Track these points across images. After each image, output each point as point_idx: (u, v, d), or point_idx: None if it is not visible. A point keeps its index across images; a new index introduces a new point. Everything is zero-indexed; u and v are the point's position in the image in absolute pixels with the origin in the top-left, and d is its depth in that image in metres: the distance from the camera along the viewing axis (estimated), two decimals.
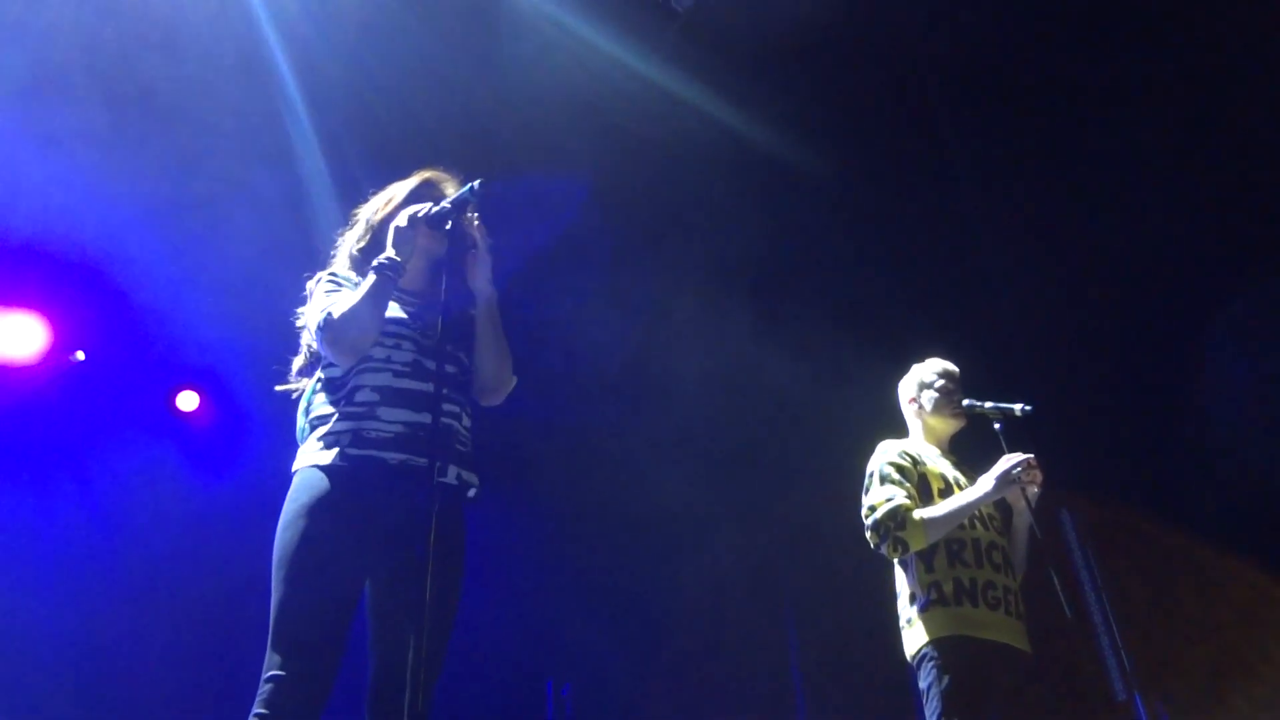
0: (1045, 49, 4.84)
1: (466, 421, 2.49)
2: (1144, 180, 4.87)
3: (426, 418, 2.31)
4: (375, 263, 2.42)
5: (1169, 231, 4.91)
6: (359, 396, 2.38)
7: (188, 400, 6.08)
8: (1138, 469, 5.27)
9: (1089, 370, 5.43)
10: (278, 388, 2.63)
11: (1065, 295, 5.45)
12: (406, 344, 2.43)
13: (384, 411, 2.35)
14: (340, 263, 2.66)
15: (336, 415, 2.38)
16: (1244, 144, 4.64)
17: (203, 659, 5.38)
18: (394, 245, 2.46)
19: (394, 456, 2.32)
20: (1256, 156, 4.61)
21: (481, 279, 2.49)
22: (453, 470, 2.39)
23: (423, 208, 2.49)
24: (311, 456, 2.35)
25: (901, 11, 4.76)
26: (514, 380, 2.58)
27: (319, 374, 2.51)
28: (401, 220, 2.49)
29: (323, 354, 2.45)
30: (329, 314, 2.39)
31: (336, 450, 2.31)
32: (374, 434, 2.33)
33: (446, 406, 2.39)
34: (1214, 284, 4.98)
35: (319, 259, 2.70)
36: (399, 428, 2.34)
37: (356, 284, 2.52)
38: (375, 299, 2.38)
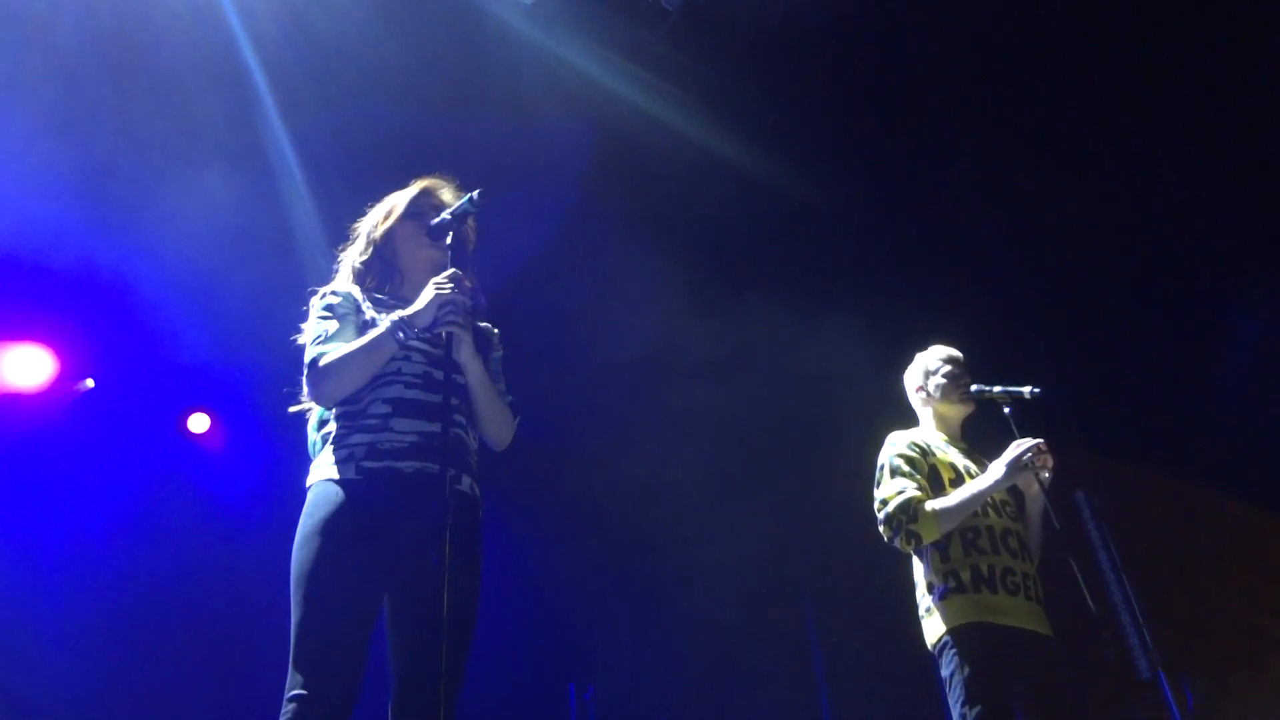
0: (1052, 24, 4.81)
1: (475, 434, 2.52)
2: (1151, 160, 4.84)
3: (438, 427, 2.32)
4: (395, 316, 2.36)
5: (1177, 211, 4.89)
6: (372, 410, 2.38)
7: (199, 423, 6.11)
8: (1150, 449, 5.26)
9: (1099, 352, 5.41)
10: (291, 409, 2.62)
11: (1072, 276, 5.43)
12: (416, 355, 2.43)
13: (397, 423, 2.36)
14: (343, 278, 2.66)
15: (351, 429, 2.39)
16: (1254, 118, 4.61)
17: (221, 681, 5.38)
18: (427, 310, 2.35)
19: (409, 465, 2.33)
20: (1270, 129, 4.58)
21: (465, 355, 2.41)
22: (466, 479, 2.40)
23: (454, 292, 2.35)
24: (326, 470, 2.36)
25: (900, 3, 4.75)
26: (515, 427, 2.58)
27: None
28: (444, 286, 2.35)
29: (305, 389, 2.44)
30: (316, 359, 2.37)
31: (353, 464, 2.33)
32: (389, 445, 2.34)
33: (456, 418, 2.39)
34: (1226, 266, 4.96)
35: (322, 278, 2.70)
36: (413, 438, 2.35)
37: (356, 305, 2.52)
38: (369, 357, 2.36)
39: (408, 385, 2.40)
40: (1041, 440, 3.09)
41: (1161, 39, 4.58)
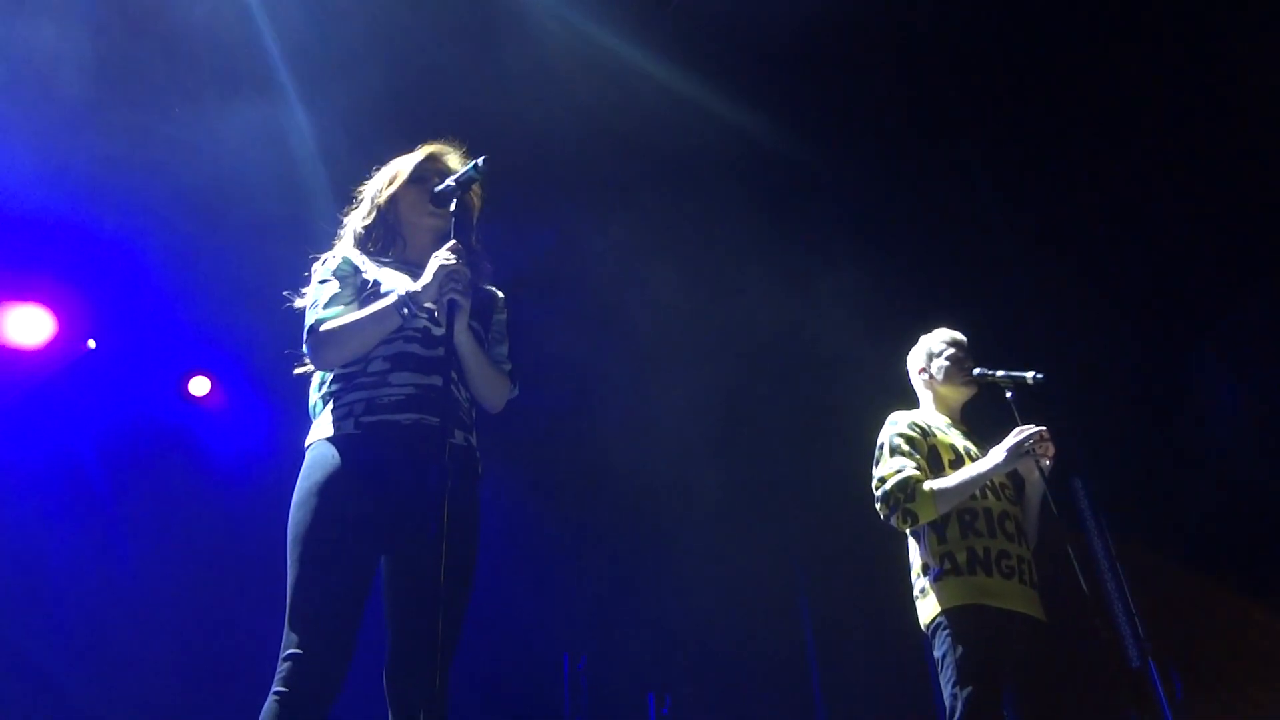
0: (1058, 30, 4.78)
1: (466, 392, 2.50)
2: (1159, 167, 4.82)
3: (434, 380, 2.34)
4: (405, 291, 2.35)
5: (1184, 214, 4.87)
6: (372, 367, 2.39)
7: (199, 385, 6.11)
8: (1149, 440, 5.27)
9: (1102, 341, 5.40)
10: (296, 371, 2.62)
11: (1077, 267, 5.42)
12: (420, 310, 2.41)
13: (395, 377, 2.37)
14: (346, 242, 2.65)
15: (350, 387, 2.39)
16: (1266, 125, 4.57)
17: (219, 640, 5.43)
18: (433, 285, 2.31)
19: (406, 417, 2.33)
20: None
21: (459, 327, 2.36)
22: (459, 433, 2.41)
23: (458, 263, 2.32)
24: (325, 429, 2.37)
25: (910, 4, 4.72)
26: (511, 392, 2.58)
27: None
28: (448, 259, 2.31)
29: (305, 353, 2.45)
30: (316, 325, 2.38)
31: (351, 420, 2.33)
32: (386, 399, 2.35)
33: (452, 374, 2.38)
34: (1231, 262, 4.95)
35: (322, 243, 2.68)
36: (410, 390, 2.36)
37: (355, 267, 2.51)
38: (374, 328, 2.35)
39: (408, 340, 2.40)
40: (1044, 428, 3.09)
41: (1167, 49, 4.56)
